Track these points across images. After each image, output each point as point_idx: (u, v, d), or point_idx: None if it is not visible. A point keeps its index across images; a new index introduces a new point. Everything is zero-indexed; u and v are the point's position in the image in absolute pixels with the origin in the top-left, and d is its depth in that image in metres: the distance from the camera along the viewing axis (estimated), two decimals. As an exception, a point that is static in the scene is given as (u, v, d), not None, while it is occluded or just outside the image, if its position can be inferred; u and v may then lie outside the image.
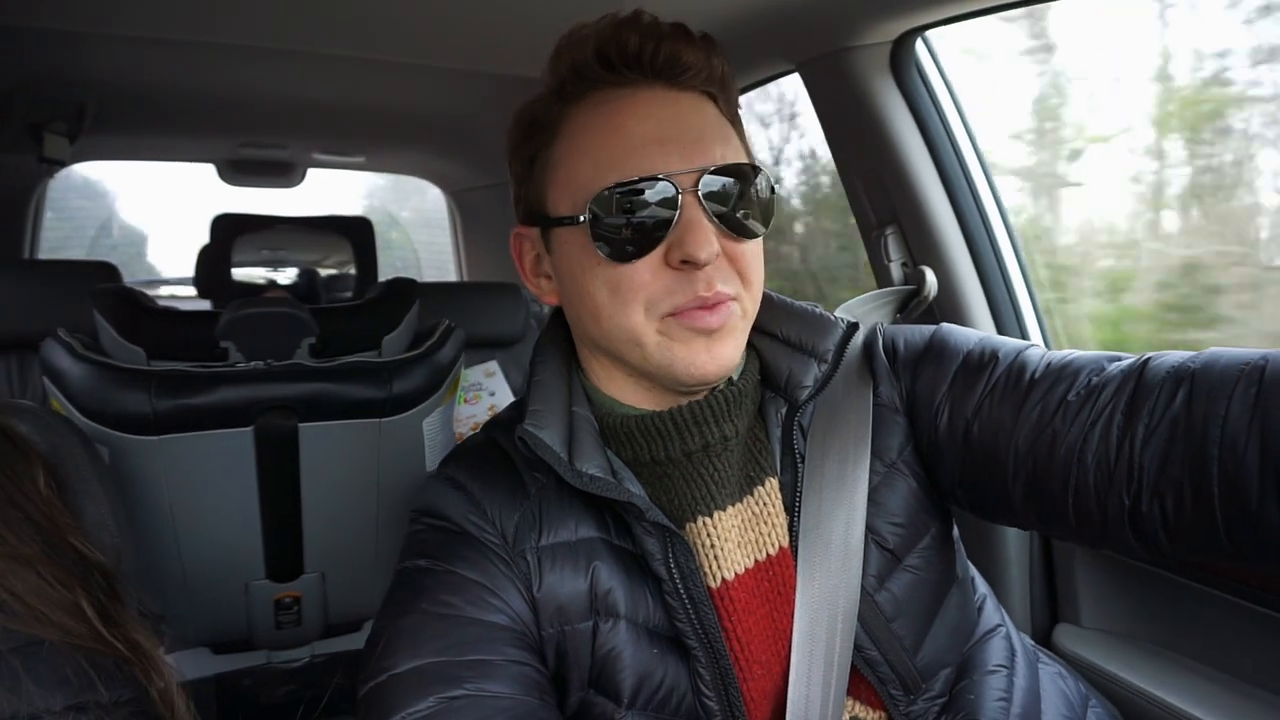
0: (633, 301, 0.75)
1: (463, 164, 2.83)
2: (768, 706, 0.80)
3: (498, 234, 3.04)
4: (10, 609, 0.64)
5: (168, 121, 2.21)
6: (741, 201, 0.77)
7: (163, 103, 2.01)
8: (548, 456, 0.76)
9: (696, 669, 0.77)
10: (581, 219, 0.75)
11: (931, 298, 1.37)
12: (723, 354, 0.77)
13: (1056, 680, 0.97)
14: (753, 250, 0.79)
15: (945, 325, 0.92)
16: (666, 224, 0.73)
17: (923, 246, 1.42)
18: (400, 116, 2.27)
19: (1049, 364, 0.80)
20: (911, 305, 1.36)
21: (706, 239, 0.73)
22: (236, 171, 2.76)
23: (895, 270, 1.46)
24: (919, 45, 1.35)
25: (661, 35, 0.77)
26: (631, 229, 0.74)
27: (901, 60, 1.36)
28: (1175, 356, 0.73)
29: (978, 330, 0.92)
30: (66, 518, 0.77)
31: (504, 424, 0.91)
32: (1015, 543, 1.37)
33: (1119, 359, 0.77)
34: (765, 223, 0.79)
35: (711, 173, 0.74)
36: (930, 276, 1.36)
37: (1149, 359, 0.74)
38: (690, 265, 0.73)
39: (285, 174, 2.82)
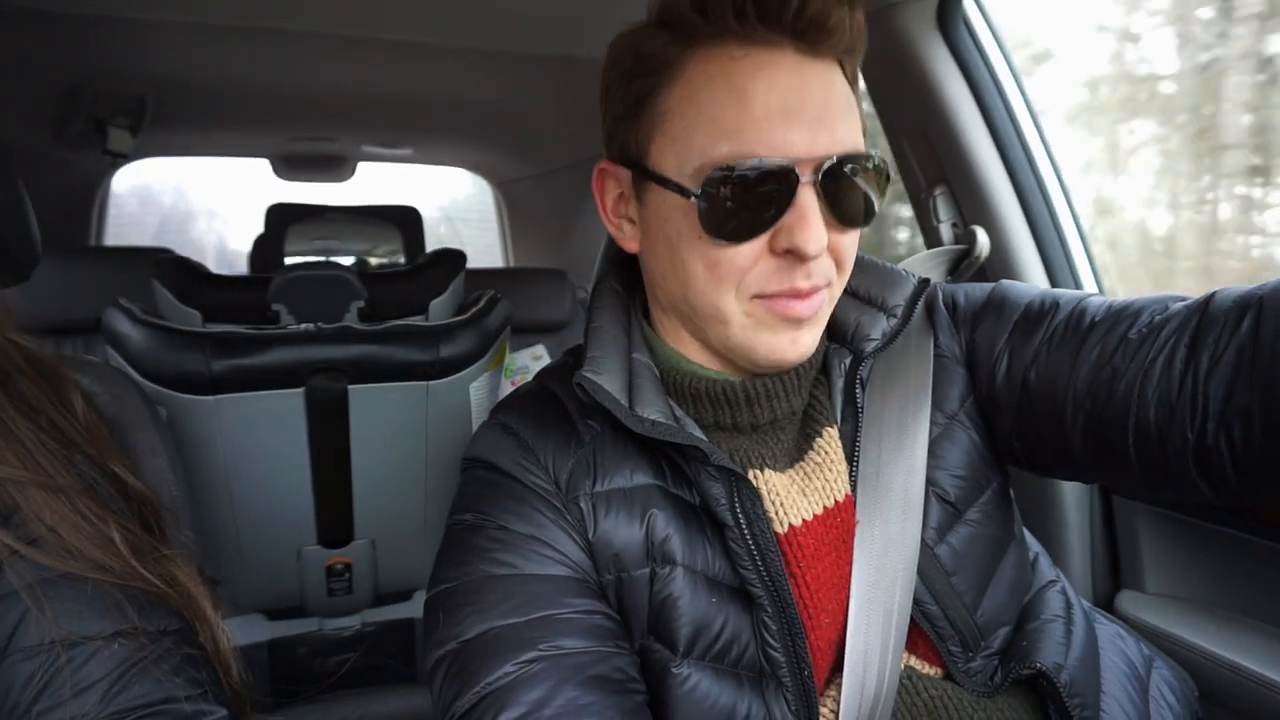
0: (727, 281, 0.73)
1: (509, 154, 2.86)
2: (830, 655, 0.78)
3: (544, 223, 3.07)
4: (43, 542, 0.65)
5: (222, 115, 2.28)
6: (854, 193, 0.73)
7: (217, 95, 2.07)
8: (607, 403, 0.74)
9: (762, 619, 0.74)
10: (693, 193, 0.71)
11: (984, 258, 1.34)
12: (806, 342, 0.76)
13: (1115, 640, 0.94)
14: (854, 239, 0.77)
15: (1005, 281, 0.90)
16: (779, 210, 0.70)
17: (974, 206, 1.38)
18: (447, 106, 2.30)
19: (1109, 307, 0.79)
20: (963, 266, 1.33)
21: (818, 232, 0.69)
22: (289, 167, 2.85)
23: (945, 231, 1.43)
24: (967, -2, 1.33)
25: None
26: (740, 210, 0.70)
27: (948, 14, 1.33)
28: (1241, 288, 0.71)
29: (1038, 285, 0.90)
30: (108, 442, 0.78)
31: (557, 371, 0.90)
32: (1074, 507, 1.33)
33: (1183, 298, 0.75)
34: (873, 214, 0.76)
35: (834, 160, 0.70)
36: (982, 236, 1.33)
37: (1215, 293, 0.72)
38: (795, 256, 0.71)
39: (336, 168, 2.89)
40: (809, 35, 0.70)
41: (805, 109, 0.69)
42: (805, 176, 0.69)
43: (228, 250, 3.95)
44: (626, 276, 0.89)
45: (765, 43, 0.70)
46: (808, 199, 0.69)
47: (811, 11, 0.68)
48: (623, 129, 0.79)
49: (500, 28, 1.59)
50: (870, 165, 0.73)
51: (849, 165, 0.71)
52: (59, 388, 0.77)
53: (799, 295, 0.72)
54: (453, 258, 1.61)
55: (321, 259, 2.22)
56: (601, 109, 0.82)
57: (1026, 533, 0.97)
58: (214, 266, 1.69)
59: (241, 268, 3.19)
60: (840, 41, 0.71)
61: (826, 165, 0.69)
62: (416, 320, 1.51)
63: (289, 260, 2.10)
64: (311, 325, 1.42)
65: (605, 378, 0.77)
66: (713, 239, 0.71)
